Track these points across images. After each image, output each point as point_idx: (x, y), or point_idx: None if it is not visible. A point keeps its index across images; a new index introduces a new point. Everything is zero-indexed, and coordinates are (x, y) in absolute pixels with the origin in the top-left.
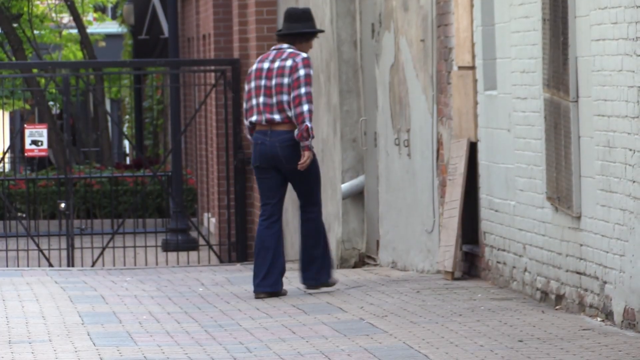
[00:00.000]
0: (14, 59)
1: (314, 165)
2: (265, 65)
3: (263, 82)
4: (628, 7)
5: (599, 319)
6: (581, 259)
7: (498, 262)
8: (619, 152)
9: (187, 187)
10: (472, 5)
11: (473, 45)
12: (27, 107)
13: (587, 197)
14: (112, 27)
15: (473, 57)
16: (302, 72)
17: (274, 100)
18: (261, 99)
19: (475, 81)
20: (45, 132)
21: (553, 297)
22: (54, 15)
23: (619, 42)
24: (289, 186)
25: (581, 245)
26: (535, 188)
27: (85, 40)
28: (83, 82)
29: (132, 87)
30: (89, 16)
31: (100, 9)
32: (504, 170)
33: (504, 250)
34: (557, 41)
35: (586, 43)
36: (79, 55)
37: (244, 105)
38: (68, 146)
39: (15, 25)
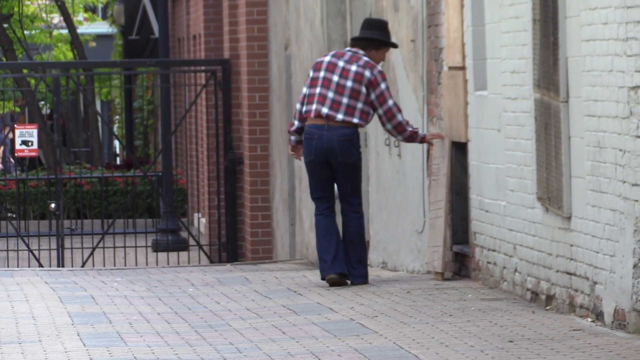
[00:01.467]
0: (4, 59)
1: (359, 165)
2: (341, 63)
3: (336, 79)
4: (618, 8)
5: (589, 319)
6: (571, 259)
7: (488, 263)
8: (609, 152)
9: (177, 188)
10: (462, 6)
11: (463, 45)
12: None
13: (577, 197)
14: (102, 27)
15: (463, 57)
16: (383, 85)
17: (345, 101)
18: (330, 94)
19: (465, 81)
20: (35, 132)
21: (543, 297)
22: (44, 15)
23: (609, 43)
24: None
25: (571, 245)
26: (526, 188)
27: (75, 41)
28: (73, 82)
29: (123, 88)
30: (80, 16)
31: (91, 9)
32: (495, 171)
33: (494, 250)
34: (547, 41)
35: (576, 43)
36: (70, 55)
37: (303, 90)
38: (58, 146)
39: (5, 25)
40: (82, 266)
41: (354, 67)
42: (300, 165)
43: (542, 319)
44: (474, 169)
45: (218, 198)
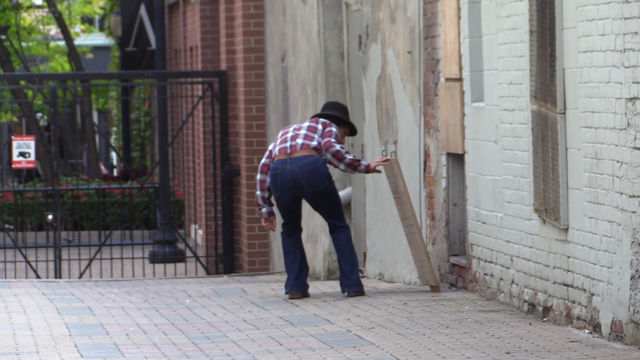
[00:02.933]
0: (1, 71)
1: (332, 189)
2: (293, 126)
3: (291, 132)
4: (616, 19)
5: (586, 331)
6: (568, 271)
7: (485, 274)
8: (606, 164)
9: (174, 199)
10: (459, 17)
11: (460, 57)
12: (15, 119)
13: (574, 209)
14: (99, 39)
15: (460, 69)
16: (328, 128)
17: (302, 133)
18: (289, 141)
19: (462, 93)
20: (32, 144)
21: (540, 309)
22: (41, 27)
23: (606, 54)
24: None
25: (568, 257)
26: (523, 200)
27: (72, 52)
28: (70, 93)
29: (120, 99)
30: (77, 28)
31: (88, 21)
32: (491, 182)
33: (491, 262)
34: (544, 53)
35: (574, 55)
36: (67, 67)
37: (263, 160)
38: (55, 158)
39: (2, 37)
40: (80, 277)
41: (306, 123)
42: None
43: (539, 330)
44: (471, 181)
45: (215, 209)
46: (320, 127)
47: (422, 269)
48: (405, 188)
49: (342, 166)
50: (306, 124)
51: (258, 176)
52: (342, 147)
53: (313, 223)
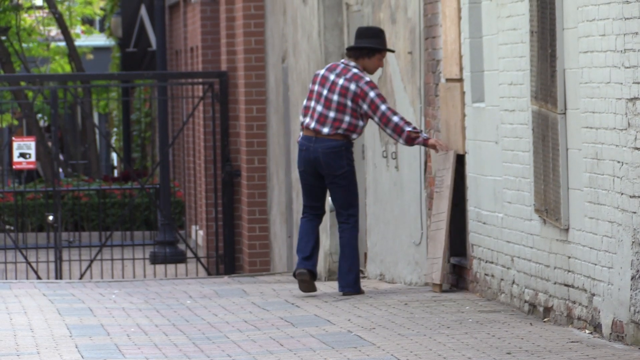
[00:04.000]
0: (1, 72)
1: (351, 177)
2: (332, 76)
3: (325, 92)
4: (616, 19)
5: (587, 331)
6: (569, 271)
7: (486, 275)
8: (607, 164)
9: (175, 200)
10: (459, 18)
11: (461, 57)
12: (15, 121)
13: (575, 209)
14: (100, 39)
15: (461, 69)
16: (372, 94)
17: (332, 115)
18: (319, 107)
19: (463, 93)
20: (33, 144)
21: (541, 309)
22: (41, 28)
23: (607, 54)
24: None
25: (569, 257)
26: (523, 200)
27: (73, 53)
28: (71, 94)
29: (120, 100)
30: (77, 29)
31: (88, 22)
32: (492, 183)
33: (492, 262)
34: (545, 53)
35: (574, 55)
36: (67, 68)
37: (304, 102)
38: (56, 159)
39: (3, 38)
40: (80, 278)
41: (341, 81)
42: (297, 177)
43: (539, 330)
44: (472, 181)
45: (215, 210)
46: (351, 96)
47: (433, 267)
48: (451, 183)
49: (400, 140)
50: (337, 89)
51: (300, 118)
52: (399, 118)
53: None
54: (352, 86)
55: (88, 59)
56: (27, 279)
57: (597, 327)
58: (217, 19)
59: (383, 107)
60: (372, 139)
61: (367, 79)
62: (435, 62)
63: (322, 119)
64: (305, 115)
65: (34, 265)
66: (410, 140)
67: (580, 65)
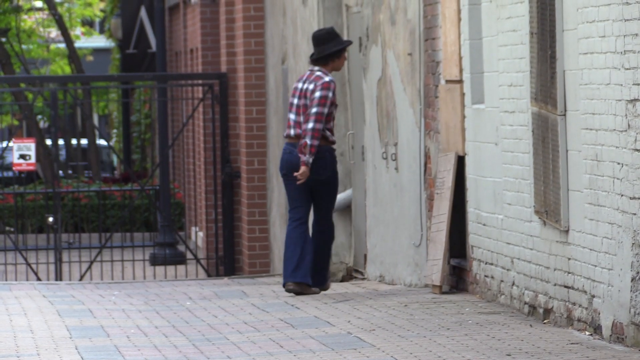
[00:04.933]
0: (1, 73)
1: (334, 182)
2: (300, 85)
3: (296, 101)
4: (616, 21)
5: (587, 333)
6: (569, 272)
7: (486, 276)
8: (607, 165)
9: (174, 201)
10: (459, 19)
11: (460, 58)
12: (15, 122)
13: (575, 210)
14: (99, 41)
15: (460, 70)
16: (317, 94)
17: (301, 118)
18: (292, 116)
19: (462, 95)
20: (33, 146)
21: (541, 310)
22: (41, 29)
23: (607, 56)
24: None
25: (569, 259)
26: (523, 202)
27: (73, 55)
28: (71, 96)
29: (120, 101)
30: (77, 30)
31: (88, 23)
32: (492, 184)
33: (491, 264)
34: (544, 55)
35: (574, 56)
36: (67, 69)
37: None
38: (56, 160)
39: (3, 39)
40: (80, 280)
41: (306, 85)
42: None
43: (539, 332)
44: (472, 183)
45: (215, 212)
46: (312, 87)
47: (433, 268)
48: (452, 185)
49: (304, 139)
50: (307, 94)
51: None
52: (312, 128)
53: None
54: (311, 85)
55: (88, 60)
56: (27, 280)
57: (597, 329)
58: (217, 20)
59: (314, 109)
60: (372, 140)
61: (327, 79)
62: (435, 63)
63: (297, 126)
64: (287, 128)
65: (34, 266)
66: (300, 150)
67: (580, 66)
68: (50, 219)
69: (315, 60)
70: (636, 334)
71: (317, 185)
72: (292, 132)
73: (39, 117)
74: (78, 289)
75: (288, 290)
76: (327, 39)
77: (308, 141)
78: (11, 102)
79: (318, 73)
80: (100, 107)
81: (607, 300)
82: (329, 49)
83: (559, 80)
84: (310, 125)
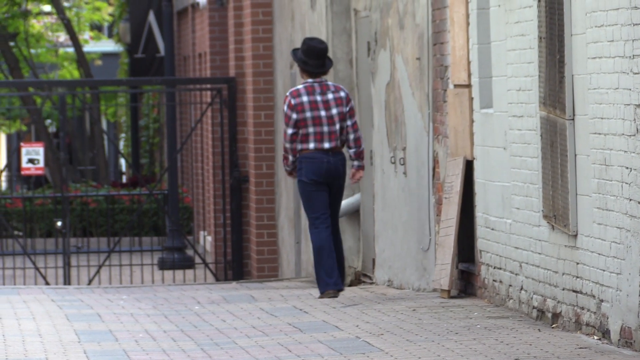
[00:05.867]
0: (10, 77)
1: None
2: (318, 98)
3: (323, 113)
4: (625, 25)
5: (595, 337)
6: (578, 277)
7: (494, 281)
8: (615, 170)
9: (183, 206)
10: (468, 24)
11: (469, 63)
12: (24, 127)
13: (583, 215)
14: (108, 45)
15: (469, 75)
16: (352, 103)
17: (337, 127)
18: (325, 128)
19: (471, 99)
20: (41, 150)
21: (549, 315)
22: (50, 34)
23: (615, 60)
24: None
25: (578, 263)
26: (532, 206)
27: (81, 59)
28: (79, 100)
29: (129, 106)
30: (86, 35)
31: (97, 28)
32: (500, 189)
33: (500, 268)
34: (553, 59)
35: (582, 61)
36: (76, 74)
37: (288, 130)
38: (64, 164)
39: (11, 44)
40: (89, 284)
41: (330, 96)
42: None
43: (548, 337)
44: (480, 187)
45: (224, 216)
46: (345, 109)
47: (441, 272)
48: (460, 189)
49: (353, 149)
50: (332, 103)
51: (287, 145)
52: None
53: None
54: (342, 93)
55: (96, 64)
56: (35, 284)
57: (605, 333)
58: (226, 25)
59: (355, 119)
60: (380, 144)
61: (343, 87)
62: (443, 68)
63: (333, 136)
64: (306, 142)
65: (42, 270)
66: (360, 156)
67: (588, 71)
68: (59, 223)
69: (322, 72)
70: None
71: (338, 189)
72: (327, 145)
73: (48, 121)
74: (86, 293)
75: (329, 297)
76: (325, 50)
77: (363, 148)
78: (20, 107)
79: (330, 82)
80: (109, 114)
81: (615, 304)
82: (330, 63)
83: (567, 84)
84: (359, 133)
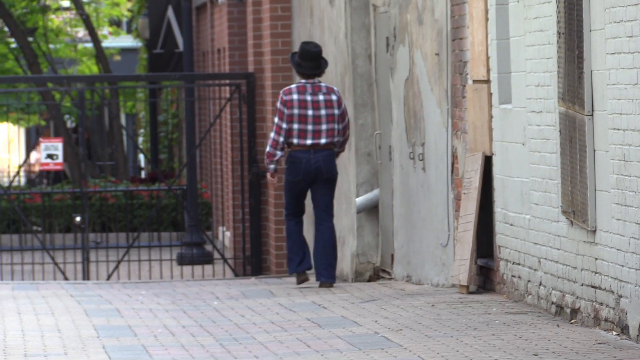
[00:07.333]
0: (29, 73)
1: (337, 177)
2: (308, 97)
3: (310, 112)
4: None
5: (614, 333)
6: (596, 272)
7: (513, 276)
8: (634, 165)
9: (202, 201)
10: (486, 19)
11: (488, 58)
12: (42, 122)
13: (602, 210)
14: (127, 41)
15: (488, 70)
16: (344, 105)
17: (324, 127)
18: (309, 127)
19: (490, 95)
20: (60, 145)
21: (568, 311)
22: (69, 29)
23: (634, 56)
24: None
25: (596, 259)
26: (551, 202)
27: (100, 54)
28: (98, 96)
29: (147, 101)
30: (104, 30)
31: (116, 23)
32: (519, 184)
33: (519, 264)
34: (572, 55)
35: (601, 56)
36: (94, 69)
37: (282, 124)
38: (83, 160)
39: (30, 39)
40: (107, 279)
41: (321, 97)
42: None
43: (566, 332)
44: (499, 183)
45: (242, 211)
46: (337, 111)
47: (460, 268)
48: (479, 185)
49: (340, 148)
50: (322, 104)
51: (276, 137)
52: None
53: (341, 225)
54: (333, 97)
55: (115, 60)
56: (54, 280)
57: (624, 329)
58: (244, 20)
59: (347, 118)
60: (399, 140)
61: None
62: (462, 63)
63: (316, 135)
64: (290, 137)
65: (61, 266)
66: (343, 147)
67: (607, 66)
68: (78, 219)
69: (317, 74)
70: None
71: (325, 182)
72: (308, 141)
73: (67, 116)
74: (105, 289)
75: (299, 278)
76: (319, 55)
77: (344, 149)
78: (39, 102)
79: (323, 84)
80: (128, 106)
81: (634, 300)
82: (325, 64)
83: (586, 80)
84: (347, 136)
